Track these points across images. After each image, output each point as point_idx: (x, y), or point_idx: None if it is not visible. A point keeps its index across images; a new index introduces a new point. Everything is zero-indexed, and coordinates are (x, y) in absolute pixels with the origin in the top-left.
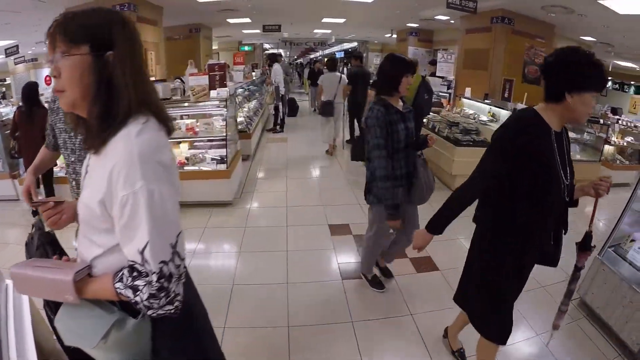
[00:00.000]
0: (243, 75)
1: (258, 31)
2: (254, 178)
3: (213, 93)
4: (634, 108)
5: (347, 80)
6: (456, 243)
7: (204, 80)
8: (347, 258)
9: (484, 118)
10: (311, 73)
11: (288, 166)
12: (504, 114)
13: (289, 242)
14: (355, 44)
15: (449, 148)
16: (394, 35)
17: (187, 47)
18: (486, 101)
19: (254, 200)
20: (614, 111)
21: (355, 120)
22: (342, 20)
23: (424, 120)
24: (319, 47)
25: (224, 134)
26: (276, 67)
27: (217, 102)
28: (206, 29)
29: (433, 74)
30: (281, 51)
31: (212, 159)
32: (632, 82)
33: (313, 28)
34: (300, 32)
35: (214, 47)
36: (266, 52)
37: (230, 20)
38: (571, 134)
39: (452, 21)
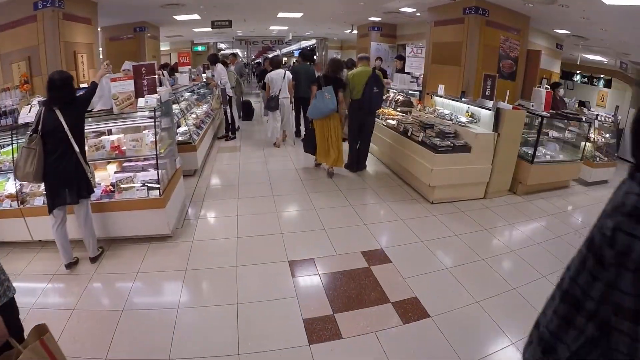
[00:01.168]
0: (190, 78)
1: (210, 29)
2: (200, 199)
3: (141, 101)
4: (602, 101)
5: (291, 76)
6: (445, 276)
7: (129, 85)
8: (314, 310)
9: (462, 119)
10: (262, 73)
11: (240, 181)
12: (485, 115)
13: (239, 290)
14: (313, 41)
15: (426, 155)
16: (355, 31)
17: (132, 48)
18: (463, 100)
19: (198, 229)
20: (582, 104)
21: (302, 113)
22: (298, 15)
23: (393, 121)
24: (276, 46)
25: (156, 152)
26: (219, 67)
27: (147, 113)
28: (153, 28)
29: (401, 70)
30: (238, 51)
31: (143, 184)
32: (602, 76)
33: (268, 24)
34: (255, 30)
35: (165, 48)
36: (222, 52)
37: (178, 17)
38: (553, 133)
39: (419, 14)
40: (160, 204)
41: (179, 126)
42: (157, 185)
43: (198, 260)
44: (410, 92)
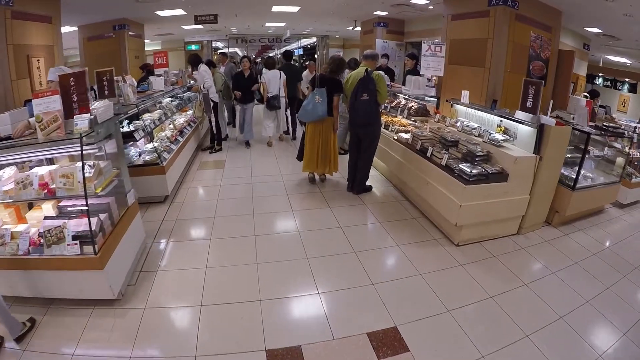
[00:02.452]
0: (169, 82)
1: (201, 27)
2: (167, 237)
3: (78, 121)
4: (623, 106)
5: (285, 77)
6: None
7: (55, 103)
8: None
9: (497, 136)
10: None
11: (217, 211)
12: (523, 132)
13: None
14: (314, 39)
15: (452, 186)
16: (358, 28)
17: (112, 48)
18: (495, 111)
19: (155, 287)
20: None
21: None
22: (295, 9)
23: (406, 135)
24: (275, 44)
25: (91, 193)
26: (203, 69)
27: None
28: (135, 26)
29: (412, 71)
30: (237, 50)
31: (74, 238)
32: (627, 79)
33: (263, 20)
34: (250, 26)
35: (156, 47)
36: (219, 51)
37: (160, 13)
38: (594, 151)
39: (431, 7)
40: (96, 264)
41: (152, 140)
42: (92, 240)
43: (148, 340)
44: (427, 98)
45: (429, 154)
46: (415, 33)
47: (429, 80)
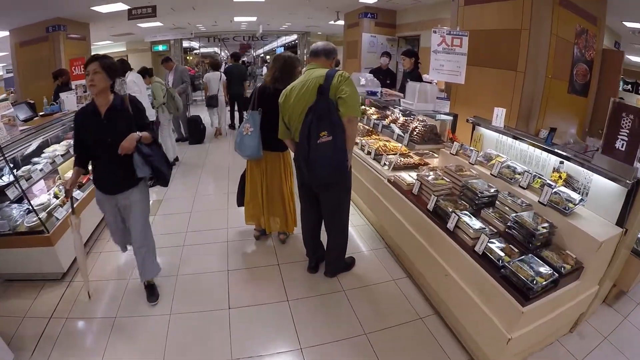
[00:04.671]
0: (83, 98)
1: (161, 24)
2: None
3: None
4: None
5: (225, 78)
6: None
7: None
8: None
9: (562, 191)
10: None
11: (122, 306)
12: (601, 187)
13: None
14: (294, 36)
15: (497, 299)
16: (341, 21)
17: (45, 54)
18: (556, 147)
19: None
20: None
21: (237, 109)
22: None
23: (408, 177)
24: (253, 42)
25: None
26: (132, 79)
27: None
28: (76, 26)
29: (412, 74)
30: (216, 50)
31: None
32: None
33: (230, 14)
34: (217, 23)
35: (120, 49)
36: (196, 52)
37: (98, 9)
38: None
39: None
40: None
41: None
42: None
43: None
44: (441, 116)
45: (451, 224)
46: (410, 26)
47: (442, 91)
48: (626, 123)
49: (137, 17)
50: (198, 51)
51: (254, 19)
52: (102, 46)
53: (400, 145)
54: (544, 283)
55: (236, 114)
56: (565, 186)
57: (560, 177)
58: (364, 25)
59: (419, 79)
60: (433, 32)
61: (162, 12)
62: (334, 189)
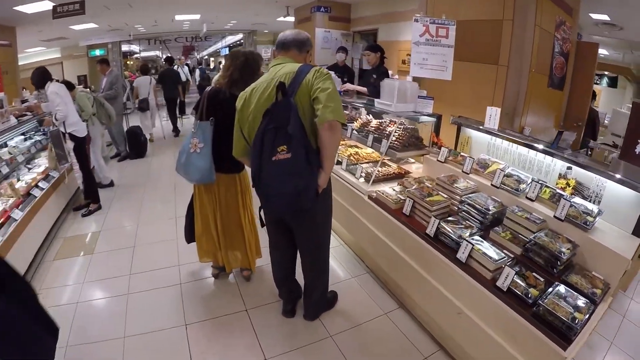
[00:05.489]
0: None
1: (95, 26)
2: None
3: None
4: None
5: (154, 82)
6: None
7: None
8: None
9: (577, 202)
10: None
11: None
12: (615, 194)
13: None
14: (240, 35)
15: (534, 344)
16: (291, 17)
17: None
18: (562, 147)
19: None
20: None
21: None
22: None
23: (389, 189)
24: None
25: None
26: (53, 90)
27: None
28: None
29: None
30: (158, 53)
31: None
32: (606, 73)
33: (171, 13)
34: (158, 22)
35: (55, 55)
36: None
37: (22, 9)
38: None
39: None
40: None
41: None
42: None
43: None
44: (424, 117)
45: (463, 254)
46: (366, 19)
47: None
48: None
49: (64, 14)
50: (139, 55)
51: (197, 17)
52: (34, 53)
53: (372, 151)
54: (585, 318)
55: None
56: (574, 194)
57: (568, 184)
58: (317, 20)
59: (385, 75)
60: (414, 20)
61: (95, 11)
62: (308, 218)
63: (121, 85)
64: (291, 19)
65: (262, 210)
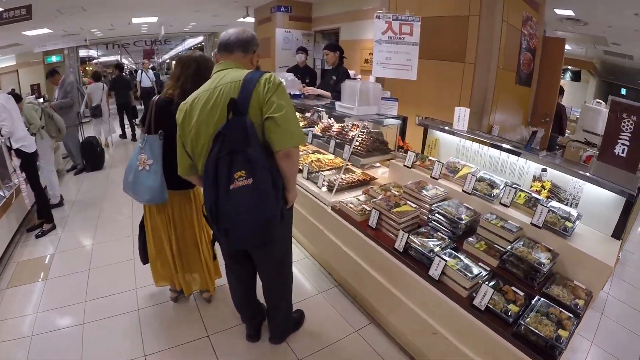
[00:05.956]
0: None
1: (49, 31)
2: None
3: None
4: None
5: (107, 88)
6: None
7: None
8: None
9: (555, 206)
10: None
11: None
12: (592, 196)
13: None
14: (201, 38)
15: None
16: (250, 17)
17: None
18: (540, 154)
19: None
20: None
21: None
22: None
23: (352, 199)
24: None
25: None
26: None
27: None
28: None
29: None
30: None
31: None
32: (569, 67)
33: (128, 15)
34: (114, 26)
35: (9, 63)
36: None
37: None
38: None
39: None
40: None
41: None
42: None
43: None
44: (388, 120)
45: (435, 272)
46: (328, 19)
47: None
48: (628, 125)
49: (10, 20)
50: (97, 60)
51: (154, 19)
52: None
53: (334, 157)
54: (569, 335)
55: (126, 122)
56: (550, 197)
57: (543, 187)
58: (277, 20)
59: (346, 75)
60: (376, 17)
61: (46, 16)
62: (266, 253)
63: (77, 93)
64: (251, 19)
65: (215, 243)
